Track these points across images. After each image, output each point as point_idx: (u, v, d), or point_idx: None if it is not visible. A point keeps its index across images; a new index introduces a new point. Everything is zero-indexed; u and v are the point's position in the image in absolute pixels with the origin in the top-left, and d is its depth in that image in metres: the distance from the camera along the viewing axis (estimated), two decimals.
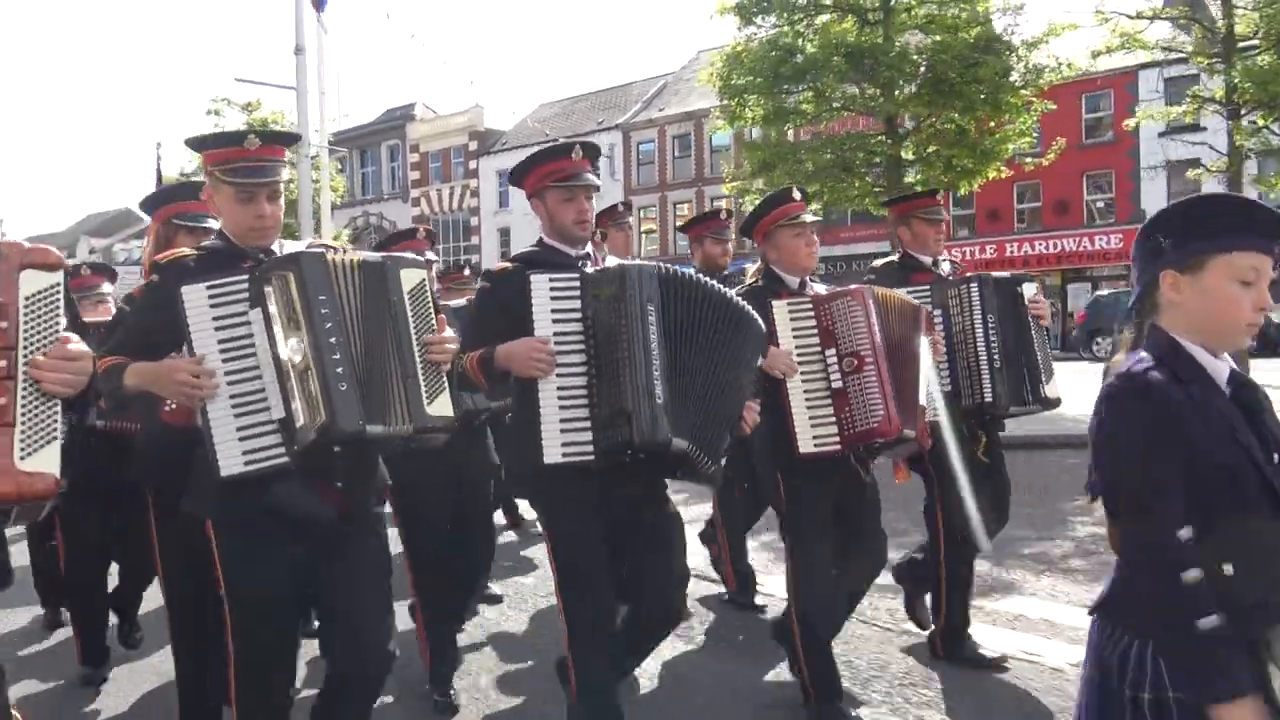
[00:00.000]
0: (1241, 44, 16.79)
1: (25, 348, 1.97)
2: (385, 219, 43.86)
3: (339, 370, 2.67)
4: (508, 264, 3.61)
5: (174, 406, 3.30)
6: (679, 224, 27.91)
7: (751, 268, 4.44)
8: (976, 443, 4.55)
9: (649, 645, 3.73)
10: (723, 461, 3.43)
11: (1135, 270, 2.08)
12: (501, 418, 4.96)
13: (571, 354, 3.31)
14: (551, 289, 3.26)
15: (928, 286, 4.59)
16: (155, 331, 2.94)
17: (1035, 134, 18.35)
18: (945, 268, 5.01)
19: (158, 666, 5.13)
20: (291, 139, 3.13)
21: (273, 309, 2.73)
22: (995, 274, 4.66)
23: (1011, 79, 16.06)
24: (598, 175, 3.59)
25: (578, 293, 3.32)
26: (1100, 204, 32.24)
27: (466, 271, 6.85)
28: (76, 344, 2.13)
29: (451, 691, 4.63)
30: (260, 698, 3.06)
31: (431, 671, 4.65)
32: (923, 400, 4.09)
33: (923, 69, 16.44)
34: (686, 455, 3.33)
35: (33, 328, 1.99)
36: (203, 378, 2.73)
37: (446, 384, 2.98)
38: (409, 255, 3.08)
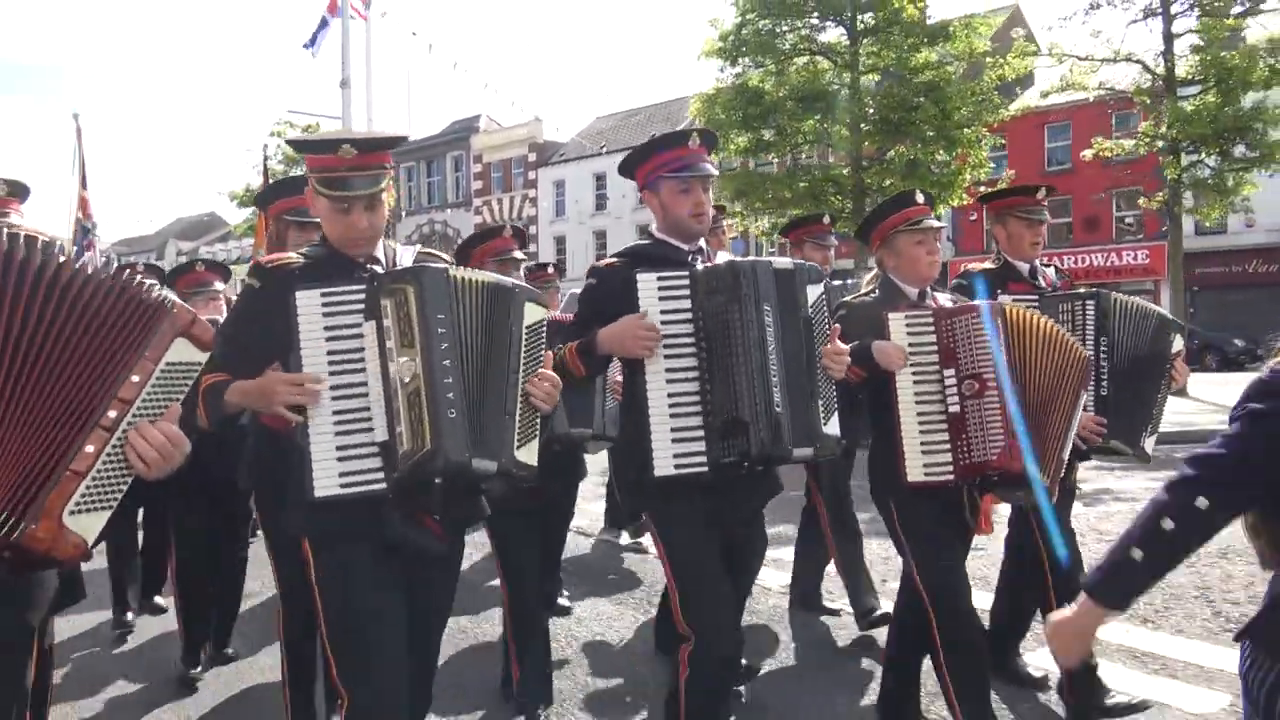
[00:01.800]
0: (1188, 84, 18.08)
1: (140, 410, 1.90)
2: (449, 226, 45.98)
3: (450, 396, 2.46)
4: (615, 259, 3.29)
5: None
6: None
7: (868, 275, 4.12)
8: (1071, 470, 4.08)
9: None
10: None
11: None
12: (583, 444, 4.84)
13: (682, 357, 3.01)
14: (660, 287, 2.99)
15: (1034, 298, 4.08)
16: (256, 341, 2.71)
17: (991, 165, 20.04)
18: (1050, 274, 4.42)
19: (243, 672, 4.93)
20: (393, 143, 2.84)
21: (388, 323, 2.51)
22: (1131, 299, 4.07)
23: (957, 118, 18.28)
24: (715, 165, 3.32)
25: (688, 291, 3.03)
26: (1129, 220, 32.81)
27: (550, 270, 6.49)
28: (175, 434, 1.99)
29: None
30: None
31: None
32: (1069, 446, 3.60)
33: (870, 110, 18.91)
34: (810, 459, 3.14)
35: (157, 395, 1.93)
36: (308, 385, 2.50)
37: (538, 432, 2.72)
38: (534, 289, 2.82)
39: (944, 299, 3.80)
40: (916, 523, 3.55)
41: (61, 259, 1.87)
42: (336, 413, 2.56)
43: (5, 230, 1.81)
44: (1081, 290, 4.12)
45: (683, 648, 3.17)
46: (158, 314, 1.94)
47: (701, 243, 3.35)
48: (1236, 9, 17.96)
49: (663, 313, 3.03)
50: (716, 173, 3.33)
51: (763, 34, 19.59)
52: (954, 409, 3.40)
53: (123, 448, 1.89)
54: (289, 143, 3.42)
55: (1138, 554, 1.88)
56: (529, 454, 2.69)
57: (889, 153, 19.38)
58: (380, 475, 2.56)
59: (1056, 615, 2.11)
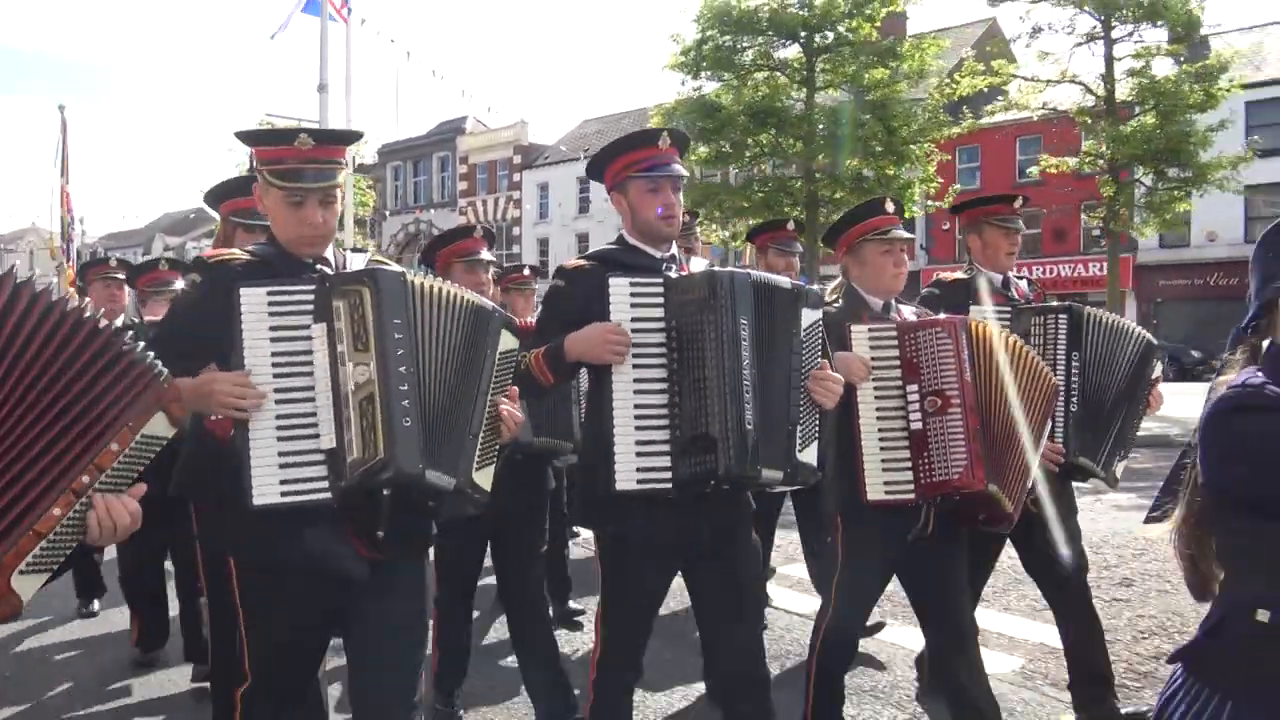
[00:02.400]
0: (1130, 105, 18.98)
1: (107, 481, 1.84)
2: (435, 226, 45.02)
3: (405, 404, 2.35)
4: (584, 261, 3.12)
5: (219, 416, 2.81)
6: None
7: (831, 284, 3.91)
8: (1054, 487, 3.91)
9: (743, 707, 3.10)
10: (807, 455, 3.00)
11: (1253, 285, 1.86)
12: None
13: (652, 367, 2.85)
14: (633, 293, 2.85)
15: (1006, 310, 3.95)
16: (195, 337, 2.57)
17: (937, 180, 20.78)
18: (1023, 286, 4.29)
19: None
20: (349, 137, 2.77)
21: (340, 325, 2.39)
22: (1106, 315, 3.93)
23: (904, 134, 19.22)
24: (685, 166, 3.18)
25: (661, 299, 2.87)
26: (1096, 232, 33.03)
27: (527, 271, 6.33)
28: (137, 512, 1.91)
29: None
30: None
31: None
32: (1034, 471, 3.43)
33: (820, 126, 19.70)
34: (777, 482, 2.95)
35: (125, 465, 1.88)
36: (247, 389, 2.37)
37: (496, 458, 2.62)
38: (510, 317, 2.73)
39: (908, 311, 3.63)
40: (858, 545, 3.41)
41: (73, 313, 1.80)
42: (279, 417, 2.42)
43: (19, 280, 1.76)
44: (1054, 303, 4.00)
45: (593, 652, 3.12)
46: (148, 384, 1.89)
47: (675, 249, 3.19)
48: (1163, 37, 19.00)
49: (634, 320, 2.86)
50: (687, 174, 3.17)
51: (722, 50, 20.43)
52: (916, 426, 3.26)
53: (83, 514, 1.82)
54: (237, 135, 3.09)
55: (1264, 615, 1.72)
56: (485, 478, 2.58)
57: (839, 167, 19.93)
58: (325, 485, 2.42)
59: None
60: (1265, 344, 1.83)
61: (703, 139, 20.46)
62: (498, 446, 2.65)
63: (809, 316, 2.97)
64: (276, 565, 2.54)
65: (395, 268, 2.65)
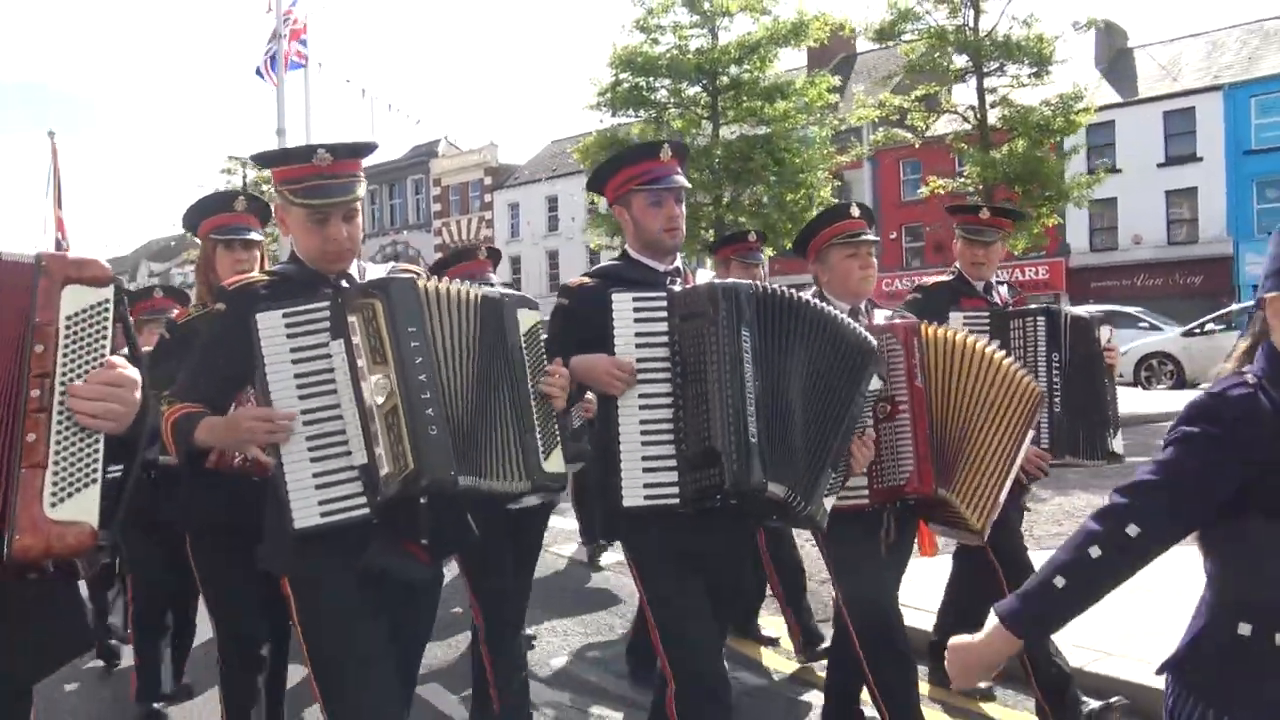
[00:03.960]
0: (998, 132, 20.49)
1: (64, 375, 1.69)
2: (410, 247, 47.61)
3: (429, 412, 2.28)
4: (587, 279, 3.04)
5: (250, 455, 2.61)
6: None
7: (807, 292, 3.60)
8: (1022, 490, 3.89)
9: None
10: (826, 504, 2.86)
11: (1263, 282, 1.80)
12: None
13: (656, 383, 2.75)
14: (635, 308, 2.77)
15: (986, 314, 3.92)
16: (224, 367, 2.50)
17: (832, 201, 23.42)
18: (1003, 291, 4.27)
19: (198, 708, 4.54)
20: (365, 149, 2.66)
21: (357, 340, 2.32)
22: (1069, 309, 3.99)
23: (793, 164, 21.18)
24: (686, 178, 3.06)
25: (664, 314, 2.77)
26: None
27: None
28: (124, 369, 1.76)
29: None
30: None
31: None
32: (1009, 477, 3.31)
33: (718, 159, 21.52)
34: (783, 501, 2.78)
35: (74, 352, 1.71)
36: (276, 420, 2.30)
37: (559, 438, 2.55)
38: (523, 295, 2.68)
39: (881, 316, 3.49)
40: (840, 546, 3.31)
41: None
42: (310, 439, 2.33)
43: None
44: (1032, 307, 3.97)
45: (668, 693, 2.86)
46: (25, 273, 1.72)
47: (679, 262, 3.06)
48: (1027, 71, 20.71)
49: (637, 335, 2.76)
50: (689, 185, 3.10)
51: (637, 90, 22.43)
52: (869, 432, 3.11)
53: (69, 418, 1.69)
54: (254, 158, 3.17)
55: (1060, 581, 1.74)
56: (556, 462, 2.51)
57: (741, 194, 22.20)
58: (363, 501, 2.33)
59: (960, 639, 1.91)
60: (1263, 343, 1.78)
61: None
62: (557, 427, 2.53)
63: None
64: (339, 579, 2.40)
65: (412, 270, 2.59)
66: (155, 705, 4.50)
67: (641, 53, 22.24)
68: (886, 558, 3.35)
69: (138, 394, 1.79)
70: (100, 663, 5.23)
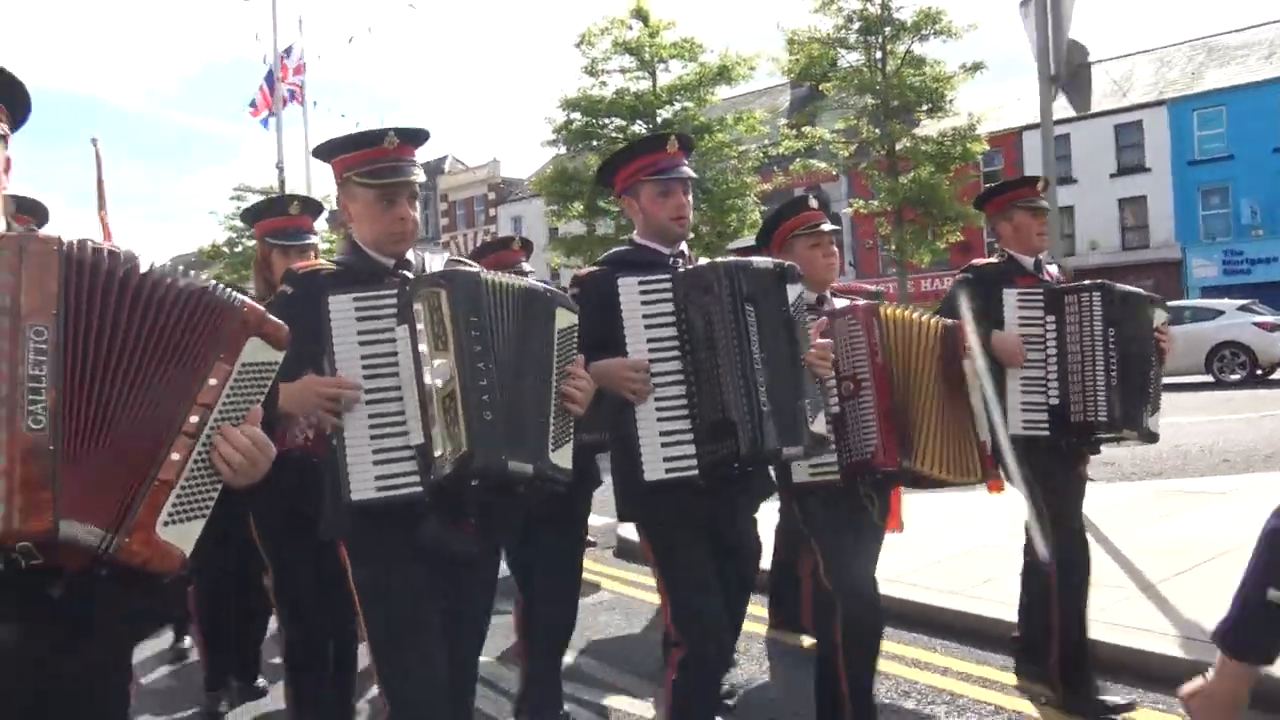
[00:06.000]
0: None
1: (220, 414, 1.80)
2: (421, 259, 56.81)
3: (484, 398, 2.36)
4: (595, 267, 3.08)
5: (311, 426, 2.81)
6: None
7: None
8: (1082, 460, 3.95)
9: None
10: (814, 430, 2.95)
11: None
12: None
13: (667, 361, 2.79)
14: (642, 291, 2.83)
15: (1039, 291, 3.91)
16: (293, 346, 2.26)
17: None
18: (1053, 270, 4.21)
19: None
20: (424, 136, 2.75)
21: (421, 326, 2.41)
22: (1126, 287, 3.99)
23: (721, 190, 23.44)
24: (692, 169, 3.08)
25: (670, 294, 2.81)
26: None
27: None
28: (268, 442, 1.85)
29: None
30: None
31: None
32: (982, 434, 3.46)
33: None
34: (800, 457, 2.89)
35: (236, 397, 1.83)
36: (343, 385, 2.37)
37: (571, 437, 2.56)
38: (564, 295, 2.72)
39: (840, 303, 3.57)
40: (814, 519, 3.39)
41: (141, 267, 1.75)
42: (371, 416, 2.42)
43: (90, 243, 1.72)
44: (1087, 282, 4.00)
45: (674, 651, 2.96)
46: (226, 314, 1.82)
47: (684, 246, 3.07)
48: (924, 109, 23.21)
49: (645, 317, 2.82)
50: (695, 175, 3.14)
51: (588, 127, 25.10)
52: (834, 410, 3.22)
53: (208, 454, 1.78)
54: (317, 150, 2.93)
55: (1277, 595, 1.64)
56: (564, 458, 2.52)
57: None
58: (416, 479, 2.41)
59: (1193, 686, 1.83)
60: None
61: (563, 200, 25.14)
62: (571, 424, 2.53)
63: (793, 291, 2.90)
64: (396, 549, 2.42)
65: (472, 267, 2.59)
66: (220, 706, 4.39)
67: (588, 96, 24.47)
68: (866, 530, 3.37)
69: (269, 462, 1.85)
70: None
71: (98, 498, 1.66)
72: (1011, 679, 4.27)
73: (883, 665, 3.86)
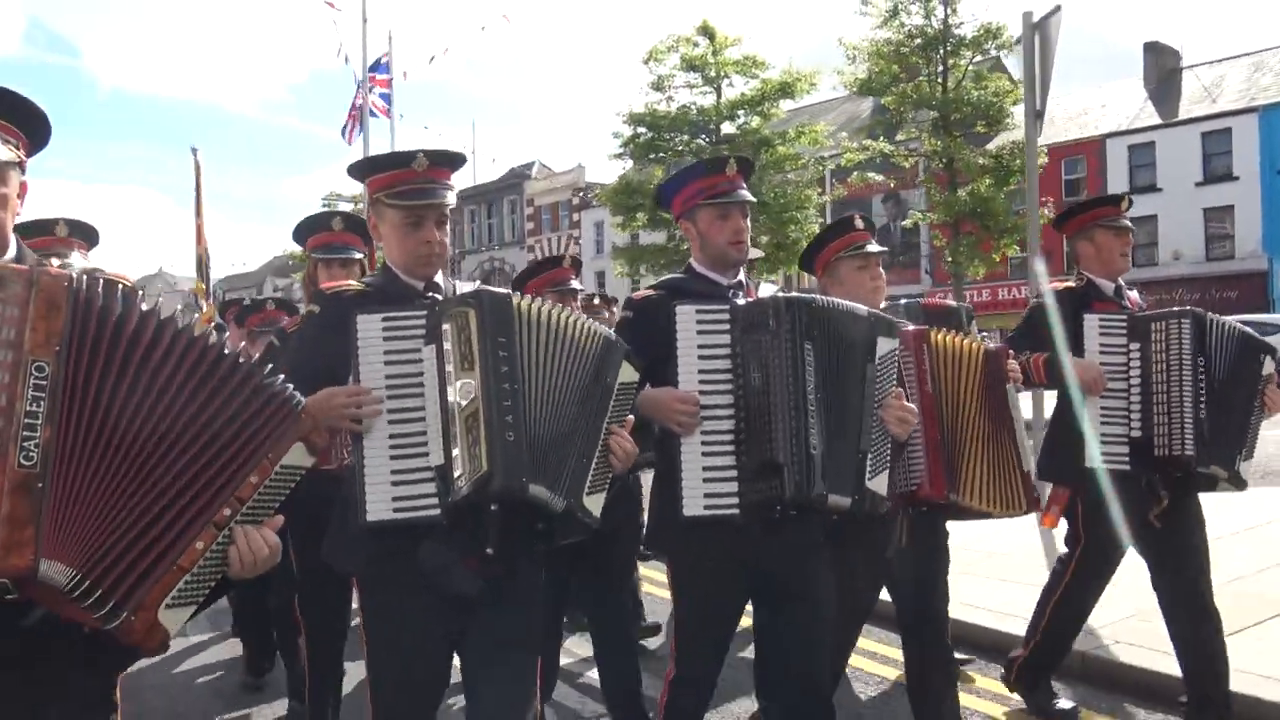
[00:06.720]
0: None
1: (249, 510, 1.81)
2: (506, 263, 50.74)
3: (508, 419, 2.29)
4: (651, 291, 2.98)
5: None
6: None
7: None
8: (1155, 502, 3.68)
9: None
10: (881, 487, 2.83)
11: None
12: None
13: (719, 394, 2.70)
14: (699, 321, 2.75)
15: (1123, 317, 3.68)
16: (316, 365, 2.53)
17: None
18: (1134, 296, 3.96)
19: None
20: (459, 160, 2.73)
21: (448, 346, 2.35)
22: (1231, 322, 3.77)
23: (778, 204, 23.54)
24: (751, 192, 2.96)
25: (727, 326, 2.71)
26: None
27: (597, 301, 6.74)
28: (278, 546, 1.85)
29: None
30: None
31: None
32: (1028, 466, 3.36)
33: None
34: (847, 510, 2.68)
35: (266, 495, 1.85)
36: (364, 397, 2.31)
37: (608, 487, 2.50)
38: (630, 349, 2.62)
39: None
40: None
41: (214, 348, 1.79)
42: (392, 436, 2.36)
43: (196, 331, 1.77)
44: (1175, 309, 3.69)
45: (668, 672, 2.95)
46: (289, 415, 1.84)
47: (742, 275, 2.95)
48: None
49: (699, 347, 2.73)
50: (754, 199, 3.03)
51: (654, 141, 25.89)
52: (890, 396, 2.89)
53: (225, 546, 1.78)
54: (350, 170, 2.99)
55: None
56: (595, 504, 2.45)
57: None
58: (434, 501, 2.33)
59: None
60: None
61: (628, 211, 25.65)
62: (610, 475, 2.45)
63: (885, 345, 2.75)
64: (394, 581, 2.42)
65: (503, 291, 2.48)
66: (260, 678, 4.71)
67: (653, 111, 25.23)
68: (914, 555, 3.28)
69: (272, 563, 1.85)
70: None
71: (84, 545, 1.63)
72: None
73: None
